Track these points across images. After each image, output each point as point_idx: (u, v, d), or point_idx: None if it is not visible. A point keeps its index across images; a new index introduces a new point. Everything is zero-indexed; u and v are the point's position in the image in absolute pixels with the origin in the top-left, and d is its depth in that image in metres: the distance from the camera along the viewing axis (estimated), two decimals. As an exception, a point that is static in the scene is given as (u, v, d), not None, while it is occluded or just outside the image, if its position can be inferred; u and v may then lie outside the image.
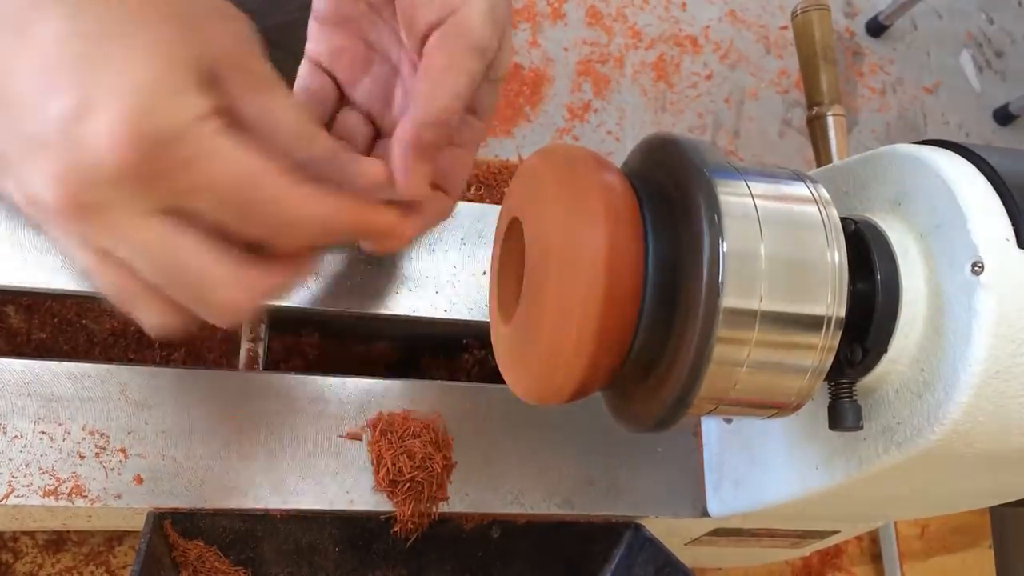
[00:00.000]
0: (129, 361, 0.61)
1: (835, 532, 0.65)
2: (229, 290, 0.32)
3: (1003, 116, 2.23)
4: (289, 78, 0.84)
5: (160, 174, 0.29)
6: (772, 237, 0.36)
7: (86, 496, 0.48)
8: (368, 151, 0.46)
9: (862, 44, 2.22)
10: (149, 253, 0.31)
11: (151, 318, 0.34)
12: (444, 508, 0.53)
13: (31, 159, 0.28)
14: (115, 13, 0.28)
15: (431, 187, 0.42)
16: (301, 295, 0.55)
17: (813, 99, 0.62)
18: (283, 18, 0.67)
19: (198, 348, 0.64)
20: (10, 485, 0.47)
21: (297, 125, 0.34)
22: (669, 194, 0.39)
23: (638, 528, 0.57)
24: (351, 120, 0.46)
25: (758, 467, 0.53)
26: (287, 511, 0.51)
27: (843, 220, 0.41)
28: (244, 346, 0.56)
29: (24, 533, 0.59)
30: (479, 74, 0.40)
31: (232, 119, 0.31)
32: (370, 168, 0.36)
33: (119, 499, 0.48)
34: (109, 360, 0.61)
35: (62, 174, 0.28)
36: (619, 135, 1.95)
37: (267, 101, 0.33)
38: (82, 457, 0.49)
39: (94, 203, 0.29)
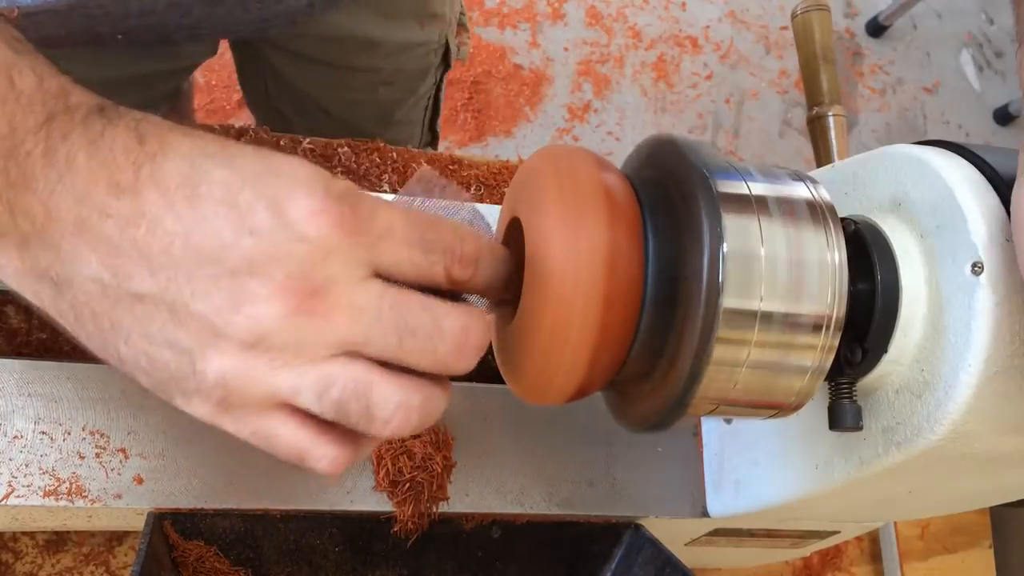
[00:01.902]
0: (129, 361, 0.61)
1: (835, 532, 0.65)
2: (459, 325, 0.33)
3: (1003, 116, 2.23)
4: (285, 77, 0.84)
5: (360, 224, 0.31)
6: (772, 237, 0.36)
7: (86, 496, 0.48)
8: None
9: (862, 44, 2.22)
10: (381, 311, 0.31)
11: (393, 399, 0.33)
12: (444, 508, 0.53)
13: (249, 293, 0.30)
14: (258, 156, 0.31)
15: None
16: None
17: (813, 99, 0.63)
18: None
19: (198, 348, 0.64)
20: (10, 485, 0.47)
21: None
22: (669, 194, 0.39)
23: (638, 528, 0.57)
24: None
25: (758, 467, 0.53)
26: (287, 511, 0.51)
27: (843, 220, 0.41)
28: (244, 346, 0.56)
29: (24, 533, 0.59)
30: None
31: None
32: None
33: (119, 499, 0.48)
34: (109, 360, 0.61)
35: (285, 276, 0.30)
36: (619, 135, 1.95)
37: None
38: (82, 457, 0.49)
39: (323, 286, 0.30)
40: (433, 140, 0.97)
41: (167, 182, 0.30)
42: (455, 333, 0.33)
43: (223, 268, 0.30)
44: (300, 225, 0.30)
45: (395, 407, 0.32)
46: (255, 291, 0.30)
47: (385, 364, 0.32)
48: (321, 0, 0.68)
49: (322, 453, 0.34)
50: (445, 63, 0.88)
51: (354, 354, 0.32)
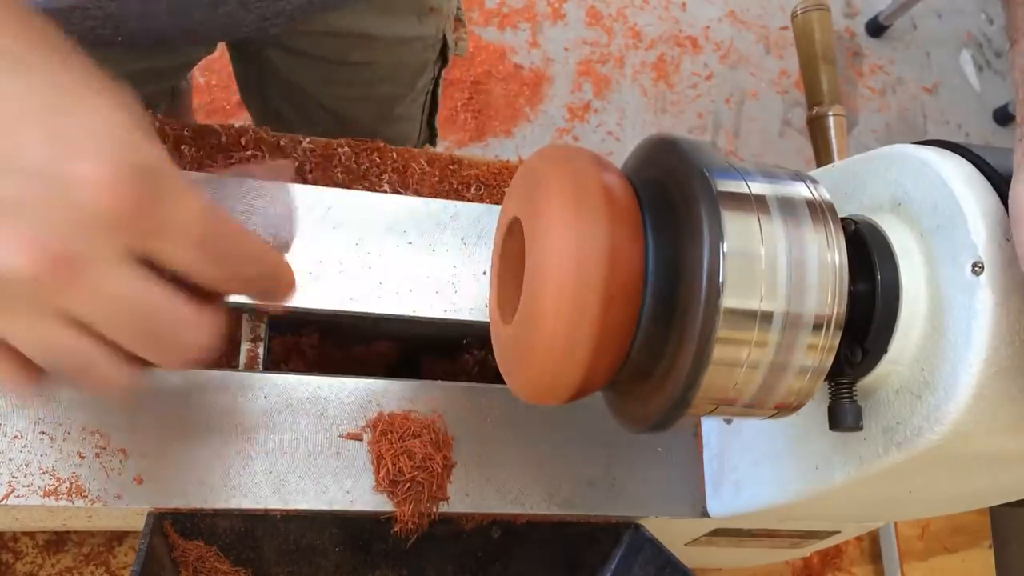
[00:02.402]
0: (129, 361, 0.61)
1: (835, 532, 0.65)
2: (194, 329, 0.33)
3: (1003, 116, 2.23)
4: (281, 74, 0.83)
5: (140, 212, 0.29)
6: (772, 237, 0.36)
7: (86, 496, 0.48)
8: None
9: (862, 44, 2.22)
10: (122, 302, 0.30)
11: (105, 376, 0.33)
12: (444, 508, 0.53)
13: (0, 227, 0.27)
14: (62, 71, 0.28)
15: None
16: (301, 296, 0.55)
17: (813, 99, 0.63)
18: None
19: (198, 348, 0.64)
20: (10, 485, 0.47)
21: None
22: (669, 194, 0.39)
23: (638, 528, 0.57)
24: None
25: (758, 467, 0.53)
26: (287, 511, 0.51)
27: (843, 220, 0.41)
28: (244, 346, 0.56)
29: (24, 533, 0.59)
30: None
31: None
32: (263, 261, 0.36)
33: (119, 499, 0.48)
34: (109, 360, 0.61)
35: (41, 233, 0.27)
36: (619, 135, 1.95)
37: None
38: (82, 457, 0.49)
39: (73, 255, 0.28)
40: (432, 137, 0.97)
41: None
42: (182, 347, 0.33)
43: None
44: (79, 190, 0.27)
45: (109, 385, 0.33)
46: (4, 235, 0.27)
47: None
48: None
49: (11, 385, 0.34)
50: (443, 58, 0.88)
51: (82, 327, 0.31)
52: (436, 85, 0.91)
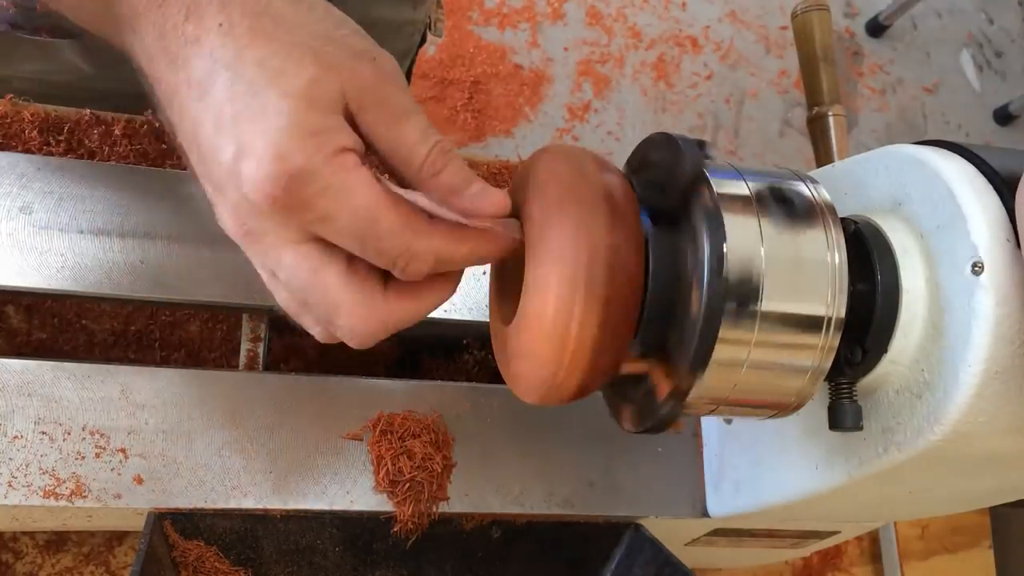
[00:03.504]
0: (129, 361, 0.61)
1: (835, 532, 0.65)
2: (352, 317, 0.37)
3: (1003, 116, 2.23)
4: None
5: (297, 206, 0.34)
6: (772, 237, 0.36)
7: (86, 496, 0.48)
8: None
9: (862, 44, 2.22)
10: (292, 275, 0.36)
11: (311, 329, 0.39)
12: (444, 508, 0.53)
13: (218, 198, 0.36)
14: (263, 72, 0.34)
15: None
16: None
17: (813, 99, 0.62)
18: None
19: (198, 348, 0.64)
20: (10, 485, 0.47)
21: (429, 155, 0.37)
22: (669, 195, 0.39)
23: (638, 528, 0.57)
24: None
25: (758, 467, 0.53)
26: (287, 511, 0.51)
27: (843, 220, 0.41)
28: (244, 346, 0.56)
29: (24, 533, 0.59)
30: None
31: (369, 151, 0.37)
32: (491, 200, 0.38)
33: (119, 499, 0.48)
34: (109, 360, 0.61)
35: (232, 209, 0.35)
36: (619, 135, 1.95)
37: (400, 131, 0.36)
38: (82, 457, 0.49)
39: (254, 231, 0.35)
40: None
41: (193, 75, 0.34)
42: (342, 330, 0.38)
43: (207, 171, 0.36)
44: (243, 183, 0.34)
45: (318, 336, 0.39)
46: (221, 200, 0.36)
47: None
48: None
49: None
50: (422, 39, 0.89)
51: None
52: (411, 64, 0.92)
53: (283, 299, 0.38)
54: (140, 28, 0.36)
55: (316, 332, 0.39)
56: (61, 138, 0.58)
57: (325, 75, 0.34)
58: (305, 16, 0.36)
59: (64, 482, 0.48)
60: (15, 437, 0.48)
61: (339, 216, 0.34)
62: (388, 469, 0.52)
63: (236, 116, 0.34)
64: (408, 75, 0.93)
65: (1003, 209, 0.38)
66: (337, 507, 0.52)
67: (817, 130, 0.62)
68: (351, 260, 0.36)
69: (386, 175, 0.38)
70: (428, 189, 0.37)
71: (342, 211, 0.34)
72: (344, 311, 0.36)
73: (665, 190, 0.39)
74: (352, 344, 0.38)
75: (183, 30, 0.35)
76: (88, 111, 0.59)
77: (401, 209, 0.35)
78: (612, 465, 0.57)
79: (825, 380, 0.40)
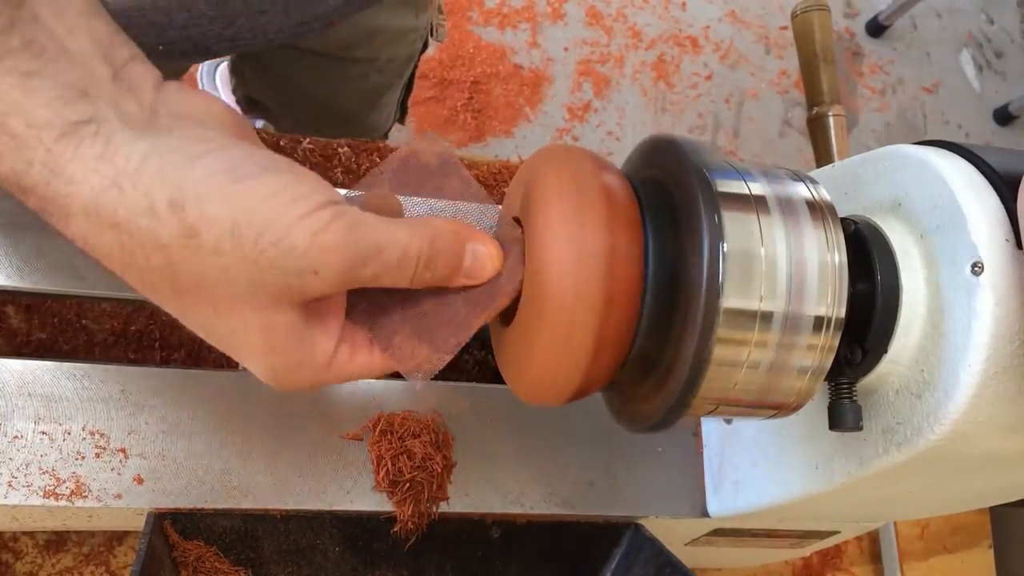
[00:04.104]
0: (129, 361, 0.61)
1: (835, 532, 0.65)
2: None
3: (1003, 116, 2.23)
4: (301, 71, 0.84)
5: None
6: (772, 237, 0.36)
7: (86, 496, 0.48)
8: None
9: (862, 44, 2.22)
10: None
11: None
12: (444, 508, 0.53)
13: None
14: (215, 336, 0.35)
15: None
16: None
17: (813, 99, 0.62)
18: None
19: (198, 348, 0.64)
20: (10, 485, 0.47)
21: (419, 259, 0.36)
22: (669, 194, 0.38)
23: (638, 528, 0.57)
24: None
25: (758, 467, 0.53)
26: (287, 511, 0.51)
27: (843, 220, 0.41)
28: (244, 346, 0.56)
29: (24, 533, 0.59)
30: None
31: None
32: (487, 263, 0.39)
33: (119, 499, 0.48)
34: (109, 360, 0.61)
35: (262, 374, 0.36)
36: (619, 135, 1.95)
37: (383, 259, 0.35)
38: (82, 457, 0.49)
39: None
40: (402, 115, 1.00)
41: (180, 283, 0.33)
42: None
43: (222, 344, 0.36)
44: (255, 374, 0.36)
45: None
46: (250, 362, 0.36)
47: None
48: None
49: None
50: (424, 45, 0.89)
51: None
52: (414, 69, 0.92)
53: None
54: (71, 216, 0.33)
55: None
56: (61, 138, 0.58)
57: (273, 309, 0.34)
58: (219, 265, 0.33)
59: (64, 482, 0.48)
60: (15, 437, 0.48)
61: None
62: (388, 469, 0.52)
63: (227, 348, 0.35)
64: (410, 80, 0.94)
65: (1003, 209, 0.38)
66: (337, 507, 0.52)
67: (817, 130, 0.62)
68: None
69: None
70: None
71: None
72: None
73: (665, 190, 0.39)
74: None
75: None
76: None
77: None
78: (612, 465, 0.57)
79: (825, 380, 0.40)
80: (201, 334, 0.35)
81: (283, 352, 0.35)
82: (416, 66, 0.92)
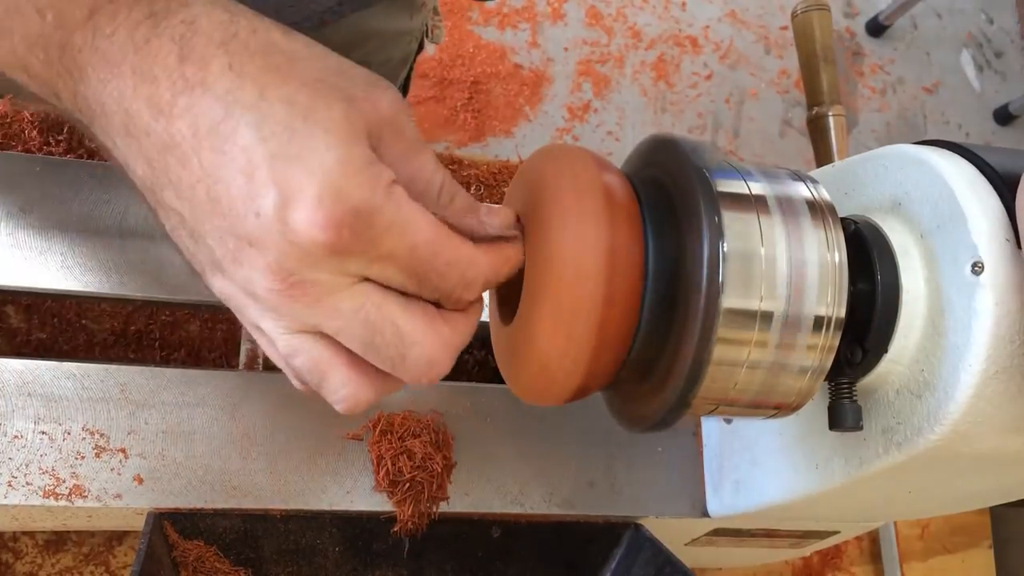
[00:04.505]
0: (129, 361, 0.61)
1: (835, 532, 0.65)
2: (427, 346, 0.35)
3: (1003, 116, 2.23)
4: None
5: (360, 247, 0.32)
6: (772, 237, 0.36)
7: (86, 496, 0.48)
8: None
9: (862, 44, 2.22)
10: (355, 320, 0.33)
11: (341, 391, 0.36)
12: (444, 508, 0.53)
13: (249, 257, 0.32)
14: (294, 109, 0.31)
15: None
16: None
17: (813, 99, 0.62)
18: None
19: (198, 348, 0.64)
20: (10, 485, 0.47)
21: (442, 181, 0.36)
22: (669, 194, 0.39)
23: (638, 528, 0.57)
24: None
25: (758, 467, 0.53)
26: (287, 511, 0.51)
27: (843, 220, 0.41)
28: (244, 346, 0.56)
29: (24, 533, 0.59)
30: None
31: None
32: (500, 215, 0.38)
33: (119, 499, 0.48)
34: (109, 360, 0.61)
35: (276, 261, 0.31)
36: (619, 135, 1.95)
37: (419, 162, 0.36)
38: (82, 457, 0.49)
39: (305, 282, 0.32)
40: None
41: (199, 123, 0.31)
42: (417, 363, 0.35)
43: (231, 228, 0.32)
44: (296, 231, 0.31)
45: (342, 397, 0.36)
46: (252, 259, 0.32)
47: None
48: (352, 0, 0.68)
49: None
50: (420, 46, 0.89)
51: (325, 336, 0.34)
52: (410, 71, 0.92)
53: (314, 359, 0.35)
54: (112, 76, 0.32)
55: (352, 392, 0.36)
56: (61, 138, 0.58)
57: (352, 108, 0.33)
58: (310, 51, 0.34)
59: (64, 482, 0.48)
60: (15, 437, 0.48)
61: (402, 253, 0.33)
62: (388, 469, 0.52)
63: (274, 159, 0.31)
64: (407, 81, 0.94)
65: (1003, 209, 0.38)
66: (337, 507, 0.52)
67: (817, 130, 0.62)
68: (403, 293, 0.35)
69: None
70: (444, 216, 0.36)
71: (405, 248, 0.33)
72: (418, 342, 0.34)
73: (665, 190, 0.39)
74: (424, 381, 0.36)
75: (180, 73, 0.31)
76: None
77: (455, 240, 0.34)
78: (612, 465, 0.57)
79: (825, 380, 0.40)
80: (248, 101, 0.31)
81: (359, 144, 0.32)
82: (412, 68, 0.92)
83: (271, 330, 0.34)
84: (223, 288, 0.34)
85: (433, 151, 0.37)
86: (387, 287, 0.34)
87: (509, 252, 0.38)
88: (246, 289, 0.33)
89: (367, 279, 0.33)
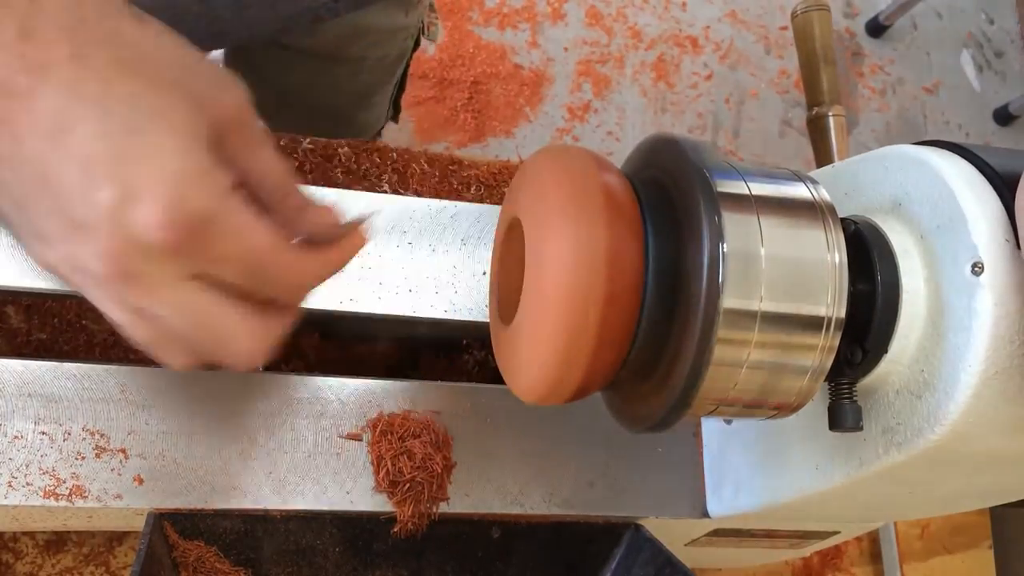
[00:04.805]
0: (129, 361, 0.61)
1: (835, 532, 0.65)
2: (244, 340, 0.37)
3: (1003, 116, 2.23)
4: (281, 74, 0.84)
5: (195, 249, 0.33)
6: (772, 237, 0.36)
7: (86, 496, 0.48)
8: None
9: (862, 44, 2.22)
10: (179, 312, 0.35)
11: (175, 361, 0.38)
12: (444, 508, 0.53)
13: (78, 238, 0.32)
14: (138, 109, 0.32)
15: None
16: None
17: (813, 99, 0.62)
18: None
19: (198, 348, 0.64)
20: (10, 485, 0.47)
21: (281, 177, 0.38)
22: (669, 194, 0.39)
23: (638, 528, 0.57)
24: None
25: (758, 468, 0.53)
26: (287, 511, 0.51)
27: (843, 221, 0.41)
28: (244, 346, 0.56)
29: (24, 533, 0.59)
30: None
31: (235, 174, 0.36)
32: (325, 215, 0.40)
33: (119, 499, 0.48)
34: (109, 360, 0.61)
35: (110, 251, 0.32)
36: (619, 135, 1.95)
37: (259, 156, 0.37)
38: (82, 457, 0.49)
39: (137, 273, 0.33)
40: (395, 114, 1.00)
41: (38, 107, 0.31)
42: (232, 355, 0.37)
43: (62, 210, 0.32)
44: (134, 227, 0.32)
45: (177, 366, 0.38)
46: (82, 245, 0.32)
47: None
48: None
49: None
50: (416, 43, 0.89)
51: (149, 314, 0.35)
52: (406, 68, 0.92)
53: (146, 336, 0.37)
54: None
55: (184, 362, 0.38)
56: (61, 138, 0.58)
57: (196, 109, 0.34)
58: (159, 44, 0.34)
59: (64, 482, 0.48)
60: (15, 437, 0.48)
61: (234, 257, 0.35)
62: (388, 469, 0.52)
63: (116, 157, 0.31)
64: (403, 78, 0.94)
65: (1003, 209, 0.38)
66: (337, 507, 0.52)
67: (817, 130, 0.62)
68: (231, 287, 0.36)
69: None
70: (279, 211, 0.38)
71: (238, 252, 0.34)
72: (236, 336, 0.37)
73: (665, 190, 0.39)
74: (239, 369, 0.39)
75: (20, 52, 0.31)
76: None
77: (283, 248, 0.36)
78: (612, 465, 0.57)
79: (825, 380, 0.40)
80: (92, 95, 0.31)
81: (200, 149, 0.33)
82: (408, 64, 0.92)
83: (99, 300, 0.35)
84: (46, 257, 0.34)
85: (274, 146, 0.38)
86: (216, 284, 0.35)
87: (332, 256, 0.40)
88: (72, 264, 0.34)
89: (200, 277, 0.35)
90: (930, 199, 0.40)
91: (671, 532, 0.59)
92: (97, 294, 0.35)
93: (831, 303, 0.37)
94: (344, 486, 0.52)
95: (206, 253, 0.34)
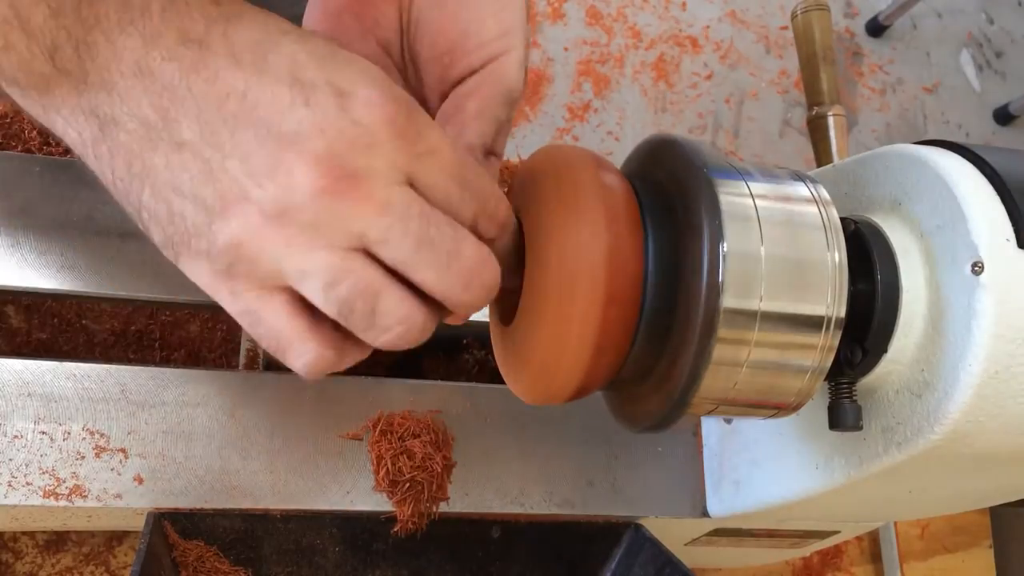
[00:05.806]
0: (129, 361, 0.61)
1: (835, 532, 0.65)
2: (479, 253, 0.33)
3: (1003, 116, 2.23)
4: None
5: (413, 134, 0.32)
6: (772, 237, 0.36)
7: (86, 496, 0.48)
8: None
9: (862, 44, 2.22)
10: (408, 215, 0.31)
11: (397, 311, 0.33)
12: (444, 508, 0.53)
13: (291, 154, 0.30)
14: (329, 41, 0.33)
15: None
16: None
17: (813, 99, 0.62)
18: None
19: (198, 348, 0.64)
20: (10, 485, 0.47)
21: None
22: (669, 195, 0.38)
23: (638, 528, 0.57)
24: None
25: (758, 467, 0.53)
26: (287, 511, 0.51)
27: (843, 220, 0.41)
28: (244, 346, 0.56)
29: (24, 533, 0.59)
30: (507, 121, 0.42)
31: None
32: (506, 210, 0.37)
33: (119, 499, 0.48)
34: (109, 360, 0.61)
35: (325, 151, 0.30)
36: (619, 135, 1.95)
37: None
38: (82, 457, 0.49)
39: (357, 173, 0.30)
40: None
41: (238, 43, 0.31)
42: (471, 259, 0.33)
43: (271, 131, 0.30)
44: (356, 109, 0.31)
45: (398, 319, 0.33)
46: (294, 161, 0.30)
47: (395, 274, 0.33)
48: None
49: (305, 349, 0.34)
50: None
51: (371, 255, 0.32)
52: None
53: (346, 289, 0.32)
54: (138, 16, 0.31)
55: (318, 355, 0.34)
56: (61, 138, 0.58)
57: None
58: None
59: (64, 482, 0.48)
60: (15, 437, 0.48)
61: (444, 150, 0.33)
62: (388, 469, 0.52)
63: (322, 63, 0.31)
64: None
65: (1003, 209, 0.38)
66: (337, 507, 0.52)
67: (817, 130, 0.62)
68: (439, 204, 0.33)
69: None
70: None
71: (446, 145, 0.33)
72: (470, 248, 0.33)
73: (665, 190, 0.39)
74: (472, 298, 0.34)
75: (215, 4, 0.31)
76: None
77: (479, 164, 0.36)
78: (612, 465, 0.57)
79: (825, 380, 0.40)
80: (284, 27, 0.32)
81: (389, 78, 0.33)
82: None
83: (303, 263, 0.31)
84: (236, 232, 0.31)
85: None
86: (425, 192, 0.33)
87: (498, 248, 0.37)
88: (277, 208, 0.30)
89: (409, 180, 0.32)
90: (930, 199, 0.40)
91: (671, 532, 0.59)
92: (302, 255, 0.31)
93: (831, 303, 0.37)
94: (344, 486, 0.52)
95: (420, 141, 0.32)
